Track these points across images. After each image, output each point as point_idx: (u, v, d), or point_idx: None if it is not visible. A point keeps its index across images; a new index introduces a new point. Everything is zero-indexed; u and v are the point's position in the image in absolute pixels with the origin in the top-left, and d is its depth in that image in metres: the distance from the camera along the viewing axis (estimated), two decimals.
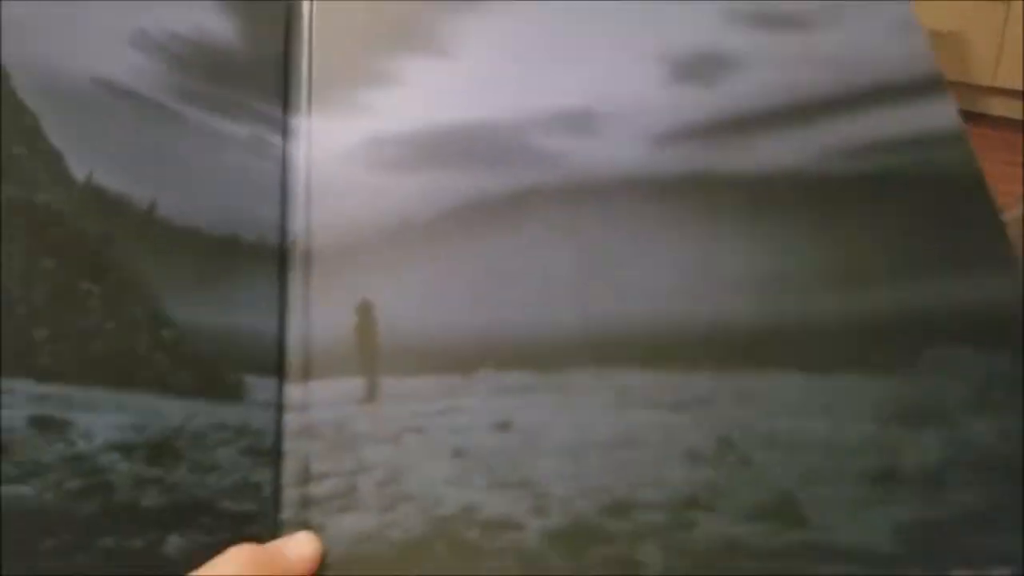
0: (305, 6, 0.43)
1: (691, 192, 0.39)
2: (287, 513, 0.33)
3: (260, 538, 0.32)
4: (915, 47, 0.43)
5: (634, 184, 0.39)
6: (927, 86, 0.42)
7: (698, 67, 0.42)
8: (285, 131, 0.40)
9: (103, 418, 0.31)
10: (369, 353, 0.36)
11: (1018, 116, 1.62)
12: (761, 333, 0.36)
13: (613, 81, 0.42)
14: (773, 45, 0.43)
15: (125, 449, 0.31)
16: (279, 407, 0.35)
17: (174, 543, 0.31)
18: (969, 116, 1.57)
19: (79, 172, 0.33)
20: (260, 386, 0.35)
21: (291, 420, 0.35)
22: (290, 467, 0.34)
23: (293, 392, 0.36)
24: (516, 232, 0.39)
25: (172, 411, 0.33)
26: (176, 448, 0.32)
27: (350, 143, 0.40)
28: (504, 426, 0.35)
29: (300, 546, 0.32)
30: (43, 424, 0.30)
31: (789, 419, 0.35)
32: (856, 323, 0.36)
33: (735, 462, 0.34)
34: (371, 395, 0.35)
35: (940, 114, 0.41)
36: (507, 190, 0.39)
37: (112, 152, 0.35)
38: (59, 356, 0.31)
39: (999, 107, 1.64)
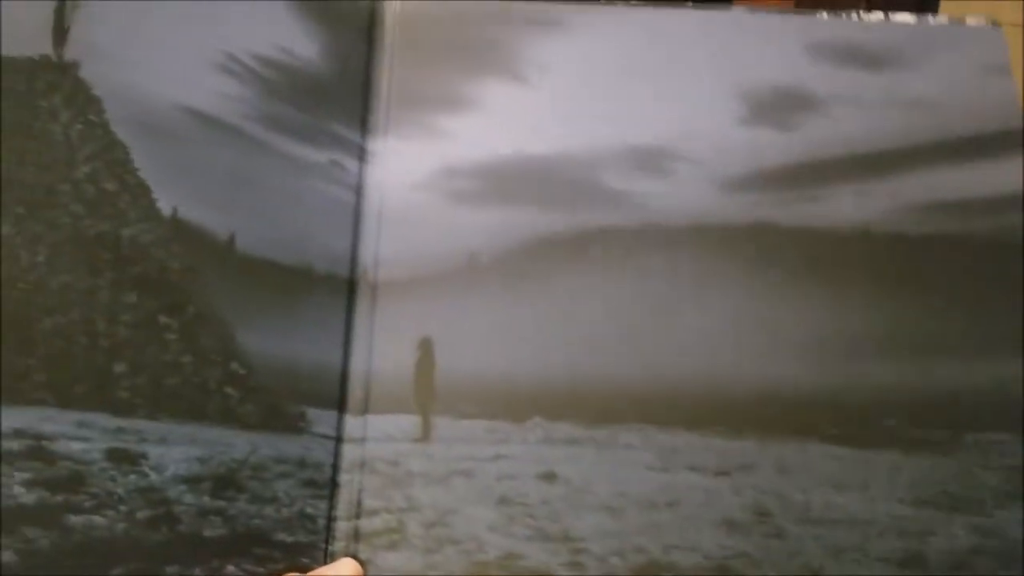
0: (388, 24, 0.44)
1: (755, 243, 0.40)
2: (338, 546, 0.36)
3: (311, 569, 0.34)
4: (1004, 95, 0.42)
5: (700, 231, 0.40)
6: (1014, 140, 0.41)
7: (777, 107, 0.42)
8: (362, 155, 0.41)
9: (174, 450, 0.33)
10: (426, 391, 0.38)
11: None
12: (805, 401, 0.37)
13: (690, 119, 0.42)
14: (856, 86, 0.42)
15: (192, 481, 0.33)
16: (338, 440, 0.37)
17: (231, 572, 0.33)
18: None
19: (165, 205, 0.35)
20: (321, 419, 0.37)
21: (348, 452, 0.37)
22: (344, 500, 0.36)
23: (352, 425, 0.37)
24: (578, 275, 0.39)
25: (237, 444, 0.35)
26: (238, 480, 0.34)
27: (424, 170, 0.41)
28: (549, 477, 0.36)
29: (341, 570, 0.34)
30: (119, 456, 0.32)
31: (825, 492, 0.36)
32: (904, 397, 0.37)
33: (769, 533, 0.35)
34: (425, 434, 0.37)
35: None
36: (575, 230, 0.40)
37: (196, 183, 0.36)
38: (136, 390, 0.33)
39: None
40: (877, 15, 0.43)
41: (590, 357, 0.38)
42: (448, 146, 0.41)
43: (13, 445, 0.30)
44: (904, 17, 0.43)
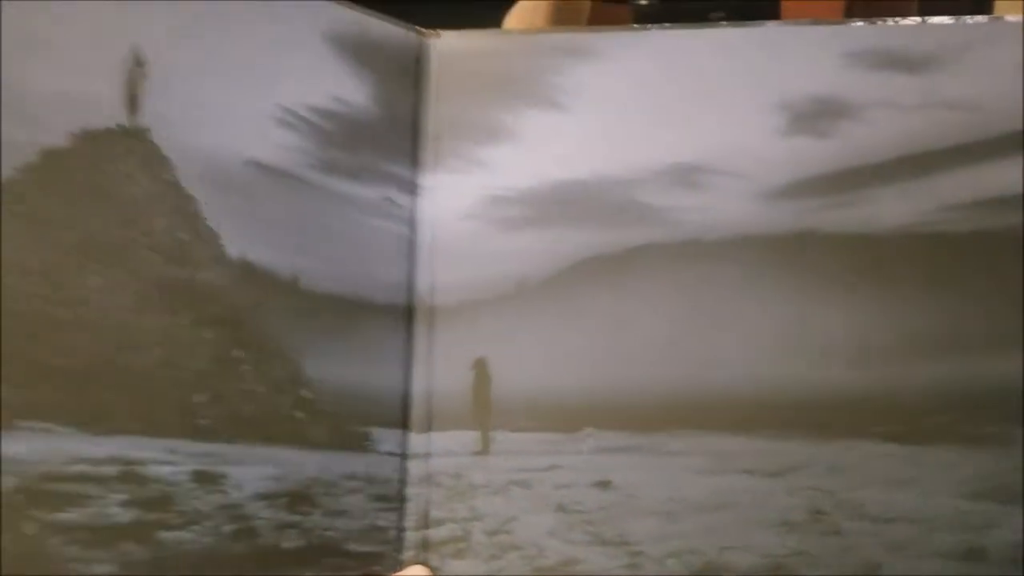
0: (432, 64, 0.47)
1: (798, 251, 0.41)
2: (408, 555, 0.39)
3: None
4: None
5: (742, 243, 0.41)
6: None
7: (815, 116, 0.43)
8: (413, 190, 0.45)
9: (251, 470, 0.37)
10: (483, 408, 0.41)
11: None
12: (855, 401, 0.38)
13: (728, 133, 0.43)
14: (893, 89, 0.42)
15: (269, 498, 0.37)
16: (403, 456, 0.40)
17: None
18: None
19: (234, 250, 0.39)
20: (386, 437, 0.40)
21: (414, 468, 0.40)
22: (411, 512, 0.39)
23: (416, 442, 0.41)
24: (624, 292, 0.42)
25: (309, 463, 0.38)
26: (312, 496, 0.38)
27: (472, 200, 0.44)
28: (604, 485, 0.38)
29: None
30: (202, 478, 0.36)
31: (879, 490, 0.37)
32: (955, 393, 0.38)
33: (825, 531, 0.36)
34: (484, 447, 0.40)
35: None
36: (618, 249, 0.42)
37: (261, 228, 0.40)
38: (216, 417, 0.37)
39: None
40: (912, 19, 0.44)
41: (638, 368, 0.40)
42: (492, 176, 0.44)
43: (109, 470, 0.34)
44: (940, 19, 0.43)
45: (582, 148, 0.44)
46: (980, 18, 0.43)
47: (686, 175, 0.43)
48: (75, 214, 0.36)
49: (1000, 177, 0.40)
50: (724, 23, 0.46)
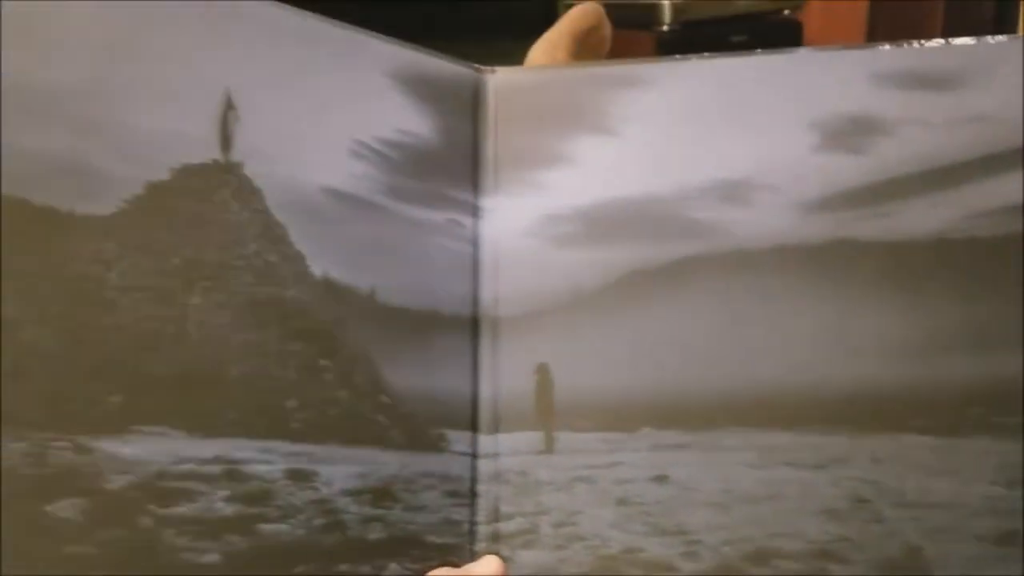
0: (489, 95, 0.51)
1: (836, 259, 0.43)
2: (481, 546, 0.42)
3: (460, 566, 0.41)
4: None
5: (783, 252, 0.44)
6: None
7: (848, 133, 0.45)
8: (475, 212, 0.48)
9: (339, 469, 0.41)
10: (546, 410, 0.44)
11: None
12: (893, 397, 0.41)
13: (766, 151, 0.46)
14: (922, 107, 0.45)
15: (355, 494, 0.40)
16: (473, 456, 0.44)
17: (392, 570, 0.40)
18: None
19: (317, 270, 0.43)
20: (458, 438, 0.44)
21: (483, 467, 0.43)
22: (483, 507, 0.43)
23: (485, 443, 0.44)
24: (674, 300, 0.45)
25: (389, 462, 0.42)
26: (393, 492, 0.41)
27: (529, 220, 0.48)
28: (661, 479, 0.41)
29: (486, 566, 0.40)
30: (295, 475, 0.40)
31: (918, 479, 0.39)
32: (985, 388, 0.40)
33: (868, 518, 0.39)
34: (548, 447, 0.43)
35: None
36: (667, 260, 0.45)
37: (339, 249, 0.44)
38: (305, 421, 0.41)
39: None
40: (937, 41, 0.46)
41: (690, 371, 0.43)
42: (548, 197, 0.48)
43: (214, 469, 0.38)
44: (963, 40, 0.45)
45: (631, 169, 0.47)
46: (1000, 38, 0.45)
47: (728, 191, 0.46)
48: (178, 241, 0.40)
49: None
50: (760, 50, 0.49)
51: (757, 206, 0.45)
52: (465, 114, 0.50)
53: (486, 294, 0.47)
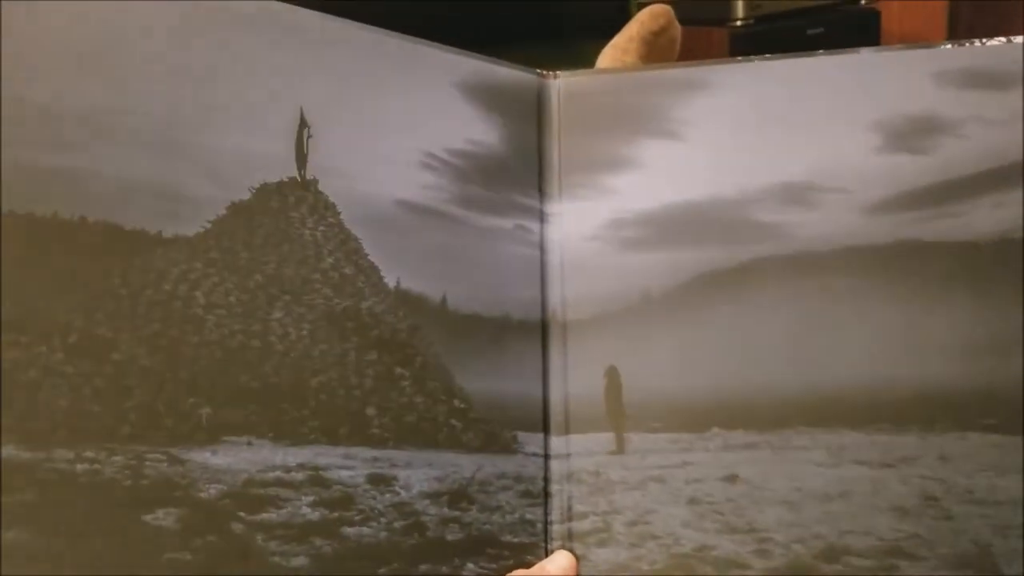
0: (553, 103, 0.51)
1: (901, 260, 0.43)
2: (555, 545, 0.42)
3: (533, 565, 0.41)
4: None
5: (848, 253, 0.43)
6: None
7: (910, 133, 0.44)
8: (542, 218, 0.48)
9: (417, 472, 0.41)
10: (616, 411, 0.44)
11: None
12: (960, 397, 0.40)
13: (830, 153, 0.45)
14: (983, 105, 0.43)
15: (433, 496, 0.41)
16: (546, 457, 0.44)
17: (470, 569, 0.41)
18: None
19: (390, 280, 0.43)
20: (530, 440, 0.44)
21: (556, 467, 0.44)
22: (556, 507, 0.43)
23: (557, 444, 0.44)
24: (741, 302, 0.44)
25: (465, 464, 0.42)
26: (469, 494, 0.42)
27: (596, 224, 0.47)
28: (732, 478, 0.41)
29: (559, 562, 0.40)
30: (376, 480, 0.40)
31: (987, 477, 0.39)
32: None
33: (937, 515, 0.38)
34: (620, 447, 0.43)
35: None
36: (733, 263, 0.45)
37: (412, 259, 0.44)
38: (384, 427, 0.41)
39: None
40: (999, 39, 0.44)
41: (757, 372, 0.43)
42: (614, 201, 0.47)
43: (299, 475, 0.39)
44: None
45: (696, 172, 0.47)
46: None
47: (794, 193, 0.45)
48: (259, 258, 0.40)
49: None
50: (823, 51, 0.47)
51: (821, 208, 0.44)
52: (530, 120, 0.50)
53: (554, 298, 0.47)
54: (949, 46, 0.44)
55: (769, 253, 0.44)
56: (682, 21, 0.80)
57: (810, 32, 1.43)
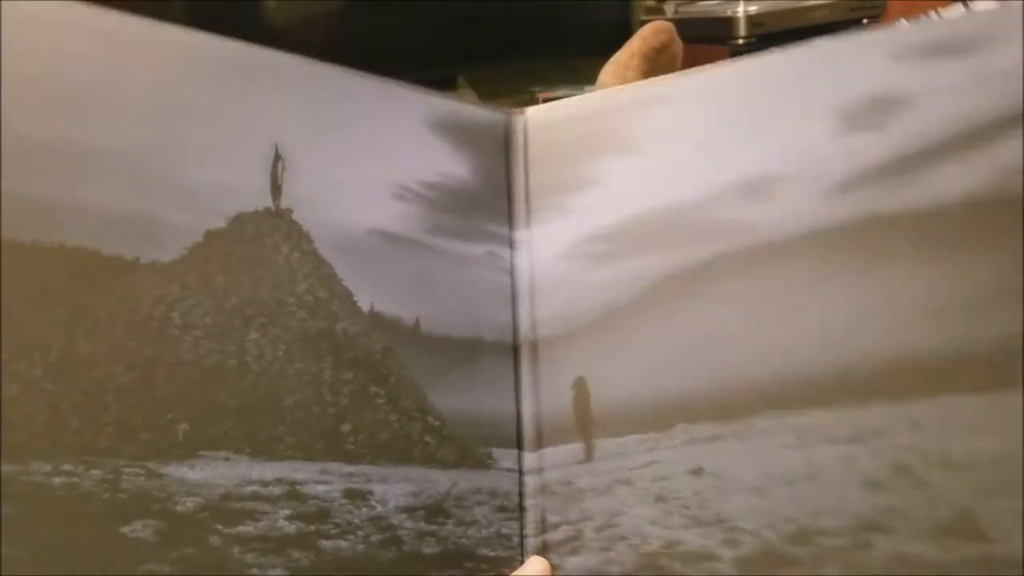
0: (519, 138, 0.52)
1: (863, 235, 0.40)
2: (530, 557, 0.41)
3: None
4: None
5: (810, 236, 0.42)
6: None
7: (871, 112, 0.42)
8: (512, 244, 0.49)
9: (393, 488, 0.41)
10: (585, 421, 0.44)
11: None
12: (932, 362, 0.38)
13: (790, 143, 0.44)
14: (944, 74, 0.41)
15: (409, 511, 0.41)
16: (520, 472, 0.44)
17: None
18: None
19: (364, 303, 0.44)
20: (504, 456, 0.44)
21: (530, 482, 0.43)
22: (531, 520, 0.43)
23: (530, 460, 0.44)
24: (703, 299, 0.43)
25: (440, 480, 0.42)
26: (445, 509, 0.41)
27: (563, 243, 0.48)
28: (697, 472, 0.41)
29: (533, 568, 0.40)
30: (352, 495, 0.40)
31: (964, 439, 0.36)
32: None
33: (912, 485, 0.37)
34: (589, 455, 0.43)
35: None
36: (697, 261, 0.44)
37: (386, 284, 0.45)
38: (359, 443, 0.41)
39: None
40: (958, 9, 0.42)
41: (720, 365, 0.42)
42: (580, 220, 0.48)
43: (276, 490, 0.39)
44: (984, 5, 0.42)
45: (658, 182, 0.46)
46: None
47: (753, 187, 0.44)
48: (234, 282, 0.41)
49: None
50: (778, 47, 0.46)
51: (781, 197, 0.43)
52: (499, 154, 0.51)
53: (524, 320, 0.47)
54: (906, 22, 0.43)
55: (730, 247, 0.43)
56: (684, 39, 0.80)
57: None
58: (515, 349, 0.47)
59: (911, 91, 0.41)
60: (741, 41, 1.15)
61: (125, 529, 0.35)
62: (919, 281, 0.39)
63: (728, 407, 0.40)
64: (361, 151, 0.47)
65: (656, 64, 0.76)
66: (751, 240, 0.42)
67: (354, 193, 0.46)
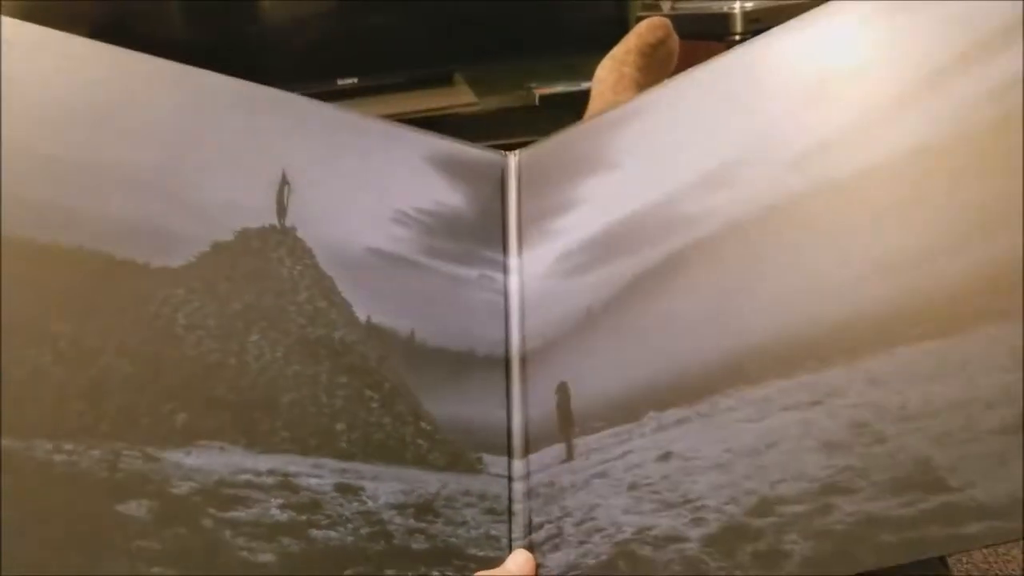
0: (512, 171, 0.55)
1: (818, 202, 0.41)
2: None
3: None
4: None
5: (767, 212, 0.42)
6: None
7: (825, 87, 0.43)
8: (504, 269, 0.51)
9: (384, 485, 0.42)
10: (566, 422, 0.45)
11: None
12: (888, 314, 0.37)
13: (752, 131, 0.44)
14: (884, 36, 0.42)
15: (399, 507, 0.42)
16: (509, 479, 0.44)
17: None
18: None
19: (361, 315, 0.46)
20: (495, 463, 0.45)
21: (517, 487, 0.44)
22: (519, 523, 0.43)
23: (518, 467, 0.45)
24: (667, 291, 0.44)
25: (431, 481, 0.43)
26: (435, 508, 0.42)
27: (548, 261, 0.50)
28: (665, 456, 0.41)
29: (517, 560, 0.40)
30: (343, 489, 0.41)
31: (921, 387, 0.35)
32: (986, 275, 0.35)
33: (870, 441, 0.35)
34: (569, 455, 0.44)
35: None
36: (663, 256, 0.45)
37: (382, 298, 0.47)
38: (353, 442, 0.42)
39: None
40: None
41: (684, 351, 0.42)
42: (563, 238, 0.50)
43: (269, 480, 0.40)
44: None
45: (630, 190, 0.48)
46: None
47: (715, 177, 0.45)
48: (238, 289, 0.43)
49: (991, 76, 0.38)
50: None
51: (742, 181, 0.44)
52: (495, 188, 0.54)
53: (515, 337, 0.49)
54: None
55: (693, 238, 0.44)
56: (680, 35, 0.79)
57: None
58: (507, 363, 0.48)
59: (860, 60, 0.42)
60: (738, 37, 1.15)
61: (120, 507, 0.37)
62: (874, 239, 0.38)
63: (692, 389, 0.41)
64: (363, 180, 0.50)
65: (652, 60, 0.75)
66: (716, 225, 0.43)
67: (355, 216, 0.48)
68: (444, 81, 0.97)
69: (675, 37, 0.78)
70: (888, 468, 0.34)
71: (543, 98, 1.00)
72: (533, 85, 1.03)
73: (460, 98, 0.95)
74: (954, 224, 0.37)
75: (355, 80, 0.87)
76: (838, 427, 0.36)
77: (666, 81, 0.51)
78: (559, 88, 0.99)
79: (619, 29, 0.83)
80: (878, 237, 0.38)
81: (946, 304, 0.35)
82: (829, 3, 0.46)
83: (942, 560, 0.54)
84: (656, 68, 0.76)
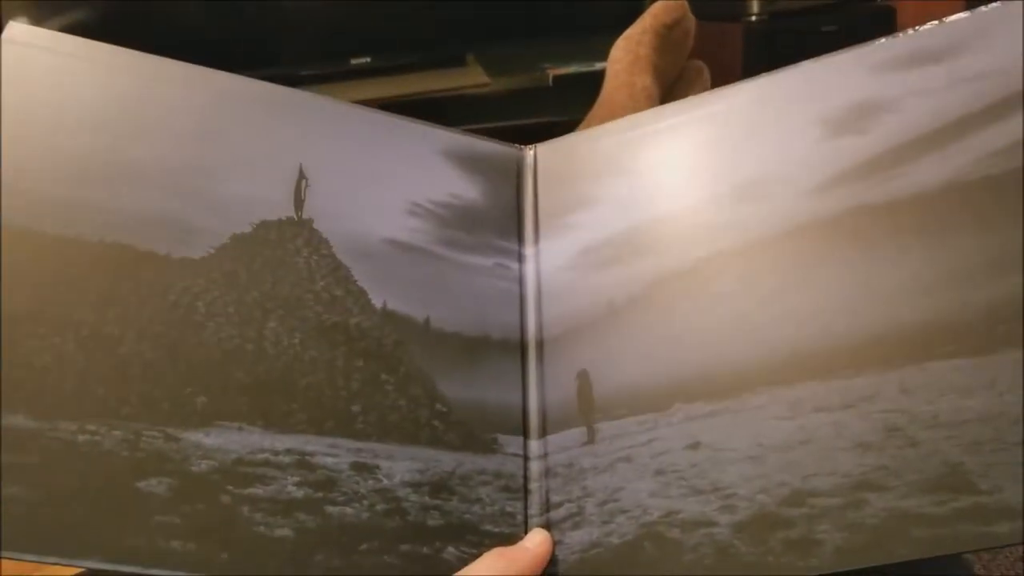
0: (528, 167, 0.55)
1: (849, 225, 0.42)
2: None
3: None
4: None
5: (797, 231, 0.43)
6: None
7: (853, 118, 0.44)
8: (520, 258, 0.51)
9: (399, 464, 0.42)
10: (587, 406, 0.44)
11: None
12: (920, 332, 0.38)
13: (777, 153, 0.46)
14: (922, 79, 0.43)
15: (415, 485, 0.41)
16: (525, 458, 0.44)
17: (451, 553, 0.40)
18: None
19: (377, 302, 0.46)
20: (510, 443, 0.44)
21: (533, 466, 0.44)
22: (535, 501, 0.43)
23: (534, 446, 0.44)
24: (696, 295, 0.44)
25: (446, 460, 0.43)
26: (450, 486, 0.42)
27: (567, 255, 0.50)
28: (694, 446, 0.40)
29: (535, 539, 0.40)
30: (359, 468, 0.41)
31: (952, 400, 0.36)
32: (1013, 304, 0.37)
33: (902, 444, 0.36)
34: (591, 438, 0.43)
35: None
36: (689, 262, 0.46)
37: (397, 286, 0.47)
38: (369, 423, 0.42)
39: None
40: (932, 23, 0.44)
41: (714, 351, 0.42)
42: (582, 234, 0.50)
43: (286, 459, 0.40)
44: (956, 16, 0.44)
45: (656, 196, 0.49)
46: (995, 4, 0.43)
47: (742, 191, 0.46)
48: (256, 278, 0.44)
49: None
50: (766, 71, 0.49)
51: (771, 199, 0.45)
52: (509, 181, 0.54)
53: (530, 323, 0.49)
54: (884, 40, 0.45)
55: (722, 248, 0.45)
56: (696, 16, 0.77)
57: (824, 29, 1.31)
58: (522, 347, 0.48)
59: (889, 97, 0.44)
60: (754, 18, 1.13)
61: (141, 484, 0.37)
62: (906, 261, 0.40)
63: (723, 386, 0.41)
64: (379, 174, 0.50)
65: (668, 41, 0.73)
66: (742, 238, 0.44)
67: (371, 209, 0.49)
68: (457, 61, 0.96)
69: (691, 17, 0.76)
70: (920, 470, 0.35)
71: (556, 79, 0.99)
72: (547, 66, 1.00)
73: (473, 79, 0.94)
74: (985, 251, 0.38)
75: (368, 59, 0.86)
76: (871, 429, 0.37)
77: (695, 98, 0.51)
78: (573, 69, 0.98)
79: (634, 9, 0.81)
80: (908, 260, 0.40)
81: (975, 325, 0.37)
82: (868, 44, 0.46)
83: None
84: (672, 49, 0.74)
